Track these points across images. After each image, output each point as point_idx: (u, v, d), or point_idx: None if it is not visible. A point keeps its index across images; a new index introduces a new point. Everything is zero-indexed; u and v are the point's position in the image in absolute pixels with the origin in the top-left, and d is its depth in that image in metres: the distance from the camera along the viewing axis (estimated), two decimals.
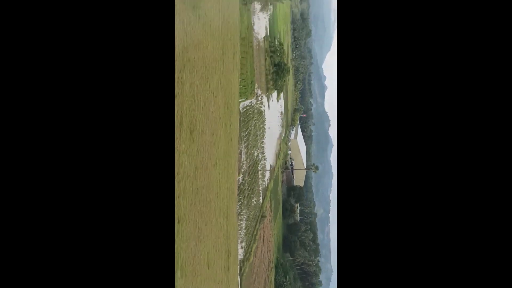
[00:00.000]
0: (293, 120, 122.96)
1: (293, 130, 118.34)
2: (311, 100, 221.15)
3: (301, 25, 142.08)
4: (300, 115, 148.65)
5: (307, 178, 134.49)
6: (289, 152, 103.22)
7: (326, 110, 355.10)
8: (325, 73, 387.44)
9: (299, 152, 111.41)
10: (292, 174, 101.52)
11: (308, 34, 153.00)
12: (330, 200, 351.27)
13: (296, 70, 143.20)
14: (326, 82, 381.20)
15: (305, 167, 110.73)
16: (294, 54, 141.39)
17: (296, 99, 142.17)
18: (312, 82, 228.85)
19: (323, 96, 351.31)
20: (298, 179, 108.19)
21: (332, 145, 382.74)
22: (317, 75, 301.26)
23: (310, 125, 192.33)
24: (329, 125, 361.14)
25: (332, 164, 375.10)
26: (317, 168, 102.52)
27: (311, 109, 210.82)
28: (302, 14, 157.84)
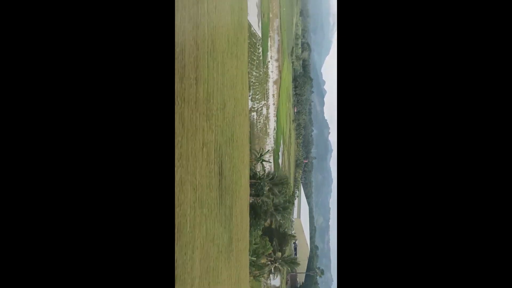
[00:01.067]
0: (296, 188, 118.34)
1: (296, 199, 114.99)
2: (313, 127, 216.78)
3: (303, 81, 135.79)
4: (302, 166, 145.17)
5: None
6: (293, 232, 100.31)
7: (326, 117, 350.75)
8: (324, 77, 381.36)
9: (303, 231, 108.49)
10: (296, 278, 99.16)
11: (310, 83, 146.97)
12: (330, 208, 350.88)
13: (298, 125, 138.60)
14: (325, 87, 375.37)
15: (309, 247, 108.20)
16: (295, 108, 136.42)
17: (298, 153, 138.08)
18: (312, 108, 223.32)
19: (322, 104, 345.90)
20: (301, 276, 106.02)
21: (332, 150, 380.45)
22: (316, 82, 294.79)
23: (311, 160, 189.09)
24: (329, 133, 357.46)
25: (331, 169, 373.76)
26: (322, 272, 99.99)
27: (311, 135, 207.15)
28: (303, 61, 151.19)
